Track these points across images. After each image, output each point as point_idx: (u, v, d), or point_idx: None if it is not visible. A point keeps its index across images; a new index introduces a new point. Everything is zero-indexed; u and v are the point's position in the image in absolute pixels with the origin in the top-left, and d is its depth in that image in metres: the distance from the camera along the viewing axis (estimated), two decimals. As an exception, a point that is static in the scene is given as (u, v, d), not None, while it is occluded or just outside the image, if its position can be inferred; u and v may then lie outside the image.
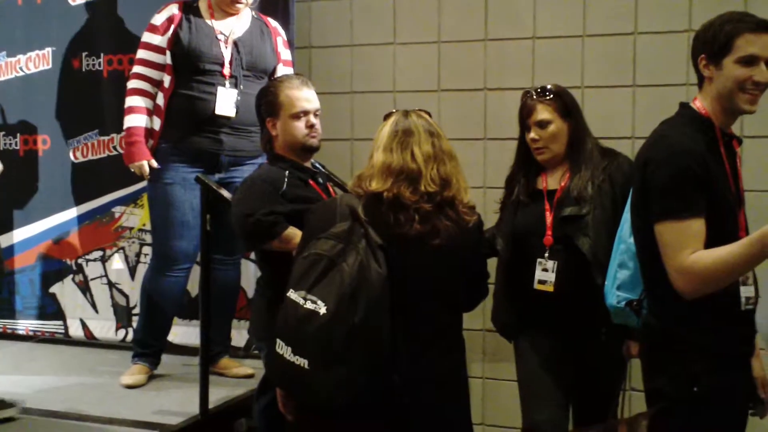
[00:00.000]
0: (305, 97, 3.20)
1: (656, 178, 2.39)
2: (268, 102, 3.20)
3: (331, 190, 3.25)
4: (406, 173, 2.52)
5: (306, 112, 3.18)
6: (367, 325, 2.36)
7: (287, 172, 3.10)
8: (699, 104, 2.51)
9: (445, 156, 2.56)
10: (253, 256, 4.39)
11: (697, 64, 2.50)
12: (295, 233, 2.95)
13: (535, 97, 3.16)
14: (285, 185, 3.06)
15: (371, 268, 2.38)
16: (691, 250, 2.32)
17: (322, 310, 2.34)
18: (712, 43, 2.44)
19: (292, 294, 2.43)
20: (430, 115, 2.69)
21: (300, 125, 3.17)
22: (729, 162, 2.48)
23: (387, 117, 2.68)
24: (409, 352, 2.50)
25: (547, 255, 3.10)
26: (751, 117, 2.62)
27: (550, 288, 3.08)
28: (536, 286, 3.10)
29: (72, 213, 4.73)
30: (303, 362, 2.37)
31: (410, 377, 2.50)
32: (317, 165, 3.37)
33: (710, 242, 2.33)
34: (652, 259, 2.44)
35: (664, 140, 2.45)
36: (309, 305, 2.36)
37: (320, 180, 3.21)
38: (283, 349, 2.42)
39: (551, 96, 3.15)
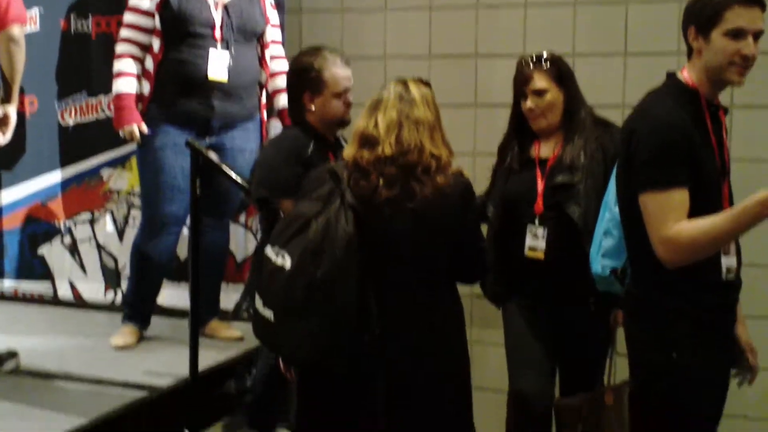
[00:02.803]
0: (348, 75, 3.25)
1: (640, 150, 2.41)
2: (311, 78, 3.20)
3: None
4: (367, 138, 2.59)
5: (347, 90, 3.23)
6: (329, 280, 2.41)
7: (313, 141, 3.17)
8: (686, 75, 2.52)
9: (409, 122, 2.58)
10: (242, 220, 4.41)
11: (686, 35, 2.51)
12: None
13: (531, 65, 3.15)
14: (310, 151, 3.13)
15: (339, 227, 2.44)
16: (674, 220, 2.35)
17: (288, 264, 2.43)
18: (700, 14, 2.44)
19: (268, 249, 2.52)
20: (427, 85, 2.71)
21: (340, 103, 3.22)
22: (714, 133, 2.49)
23: None
24: (380, 313, 2.53)
25: (537, 222, 3.12)
26: (740, 87, 2.63)
27: (540, 255, 3.11)
28: (527, 253, 3.13)
29: (60, 175, 4.72)
30: (269, 314, 2.47)
31: (381, 339, 2.53)
32: (341, 139, 3.41)
33: (694, 213, 2.36)
34: (636, 228, 2.47)
35: (649, 112, 2.47)
36: (279, 260, 2.46)
37: (339, 155, 3.25)
38: (258, 302, 2.53)
39: (547, 64, 3.14)
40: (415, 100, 2.62)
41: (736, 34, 2.40)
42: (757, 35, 2.42)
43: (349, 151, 2.64)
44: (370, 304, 2.51)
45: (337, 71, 3.21)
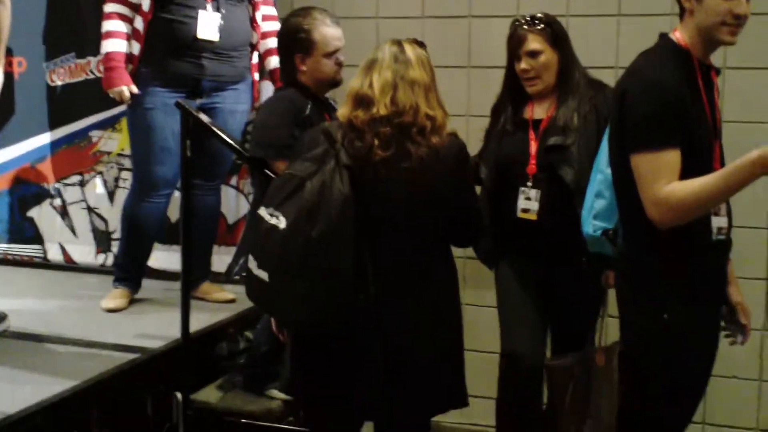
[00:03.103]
0: (338, 35, 3.29)
1: (633, 110, 2.41)
2: (301, 39, 3.24)
3: None
4: (362, 98, 2.58)
5: (338, 50, 3.26)
6: (325, 240, 2.40)
7: (311, 101, 3.20)
8: (678, 35, 2.51)
9: (404, 82, 2.57)
10: (233, 182, 4.39)
11: None
12: None
13: (525, 26, 3.14)
14: (308, 110, 3.16)
15: (334, 187, 2.44)
16: (666, 181, 2.35)
17: (282, 224, 2.42)
18: None
19: (261, 209, 2.51)
20: (422, 45, 2.69)
21: (331, 63, 3.26)
22: (706, 93, 2.49)
23: None
24: (376, 274, 2.53)
25: (530, 184, 3.12)
26: (733, 48, 2.62)
27: (533, 216, 3.11)
28: (519, 214, 3.13)
29: (49, 137, 4.68)
30: (264, 275, 2.47)
31: (378, 299, 2.53)
32: (330, 100, 3.43)
33: (685, 173, 2.36)
34: (628, 189, 2.47)
35: (641, 72, 2.47)
36: (273, 221, 2.45)
37: (333, 116, 3.24)
38: (251, 263, 2.52)
39: (542, 25, 3.13)
40: (411, 61, 2.61)
41: None
42: (749, -6, 2.42)
43: (343, 111, 2.62)
44: (365, 264, 2.51)
45: (327, 31, 3.24)
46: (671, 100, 2.37)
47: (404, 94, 2.56)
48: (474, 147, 3.24)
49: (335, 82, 3.32)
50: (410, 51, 2.63)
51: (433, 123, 2.58)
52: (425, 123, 2.56)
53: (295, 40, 3.25)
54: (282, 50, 3.35)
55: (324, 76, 3.27)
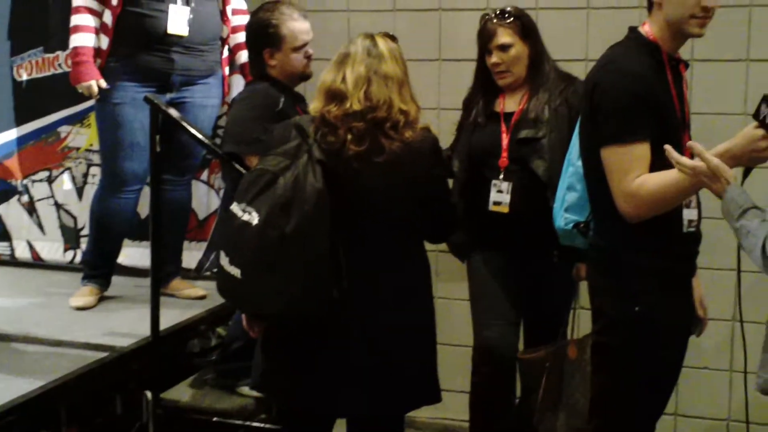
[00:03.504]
0: (306, 29, 3.31)
1: (603, 102, 2.42)
2: (269, 34, 3.25)
3: None
4: (334, 93, 2.56)
5: (306, 44, 3.28)
6: (299, 235, 2.40)
7: (283, 94, 3.21)
8: (647, 29, 2.52)
9: (377, 77, 2.56)
10: (204, 177, 4.36)
11: None
12: None
13: (495, 20, 3.15)
14: (281, 104, 3.17)
15: (307, 182, 2.43)
16: (636, 174, 2.36)
17: (255, 220, 2.41)
18: None
19: (233, 206, 2.50)
20: (394, 38, 2.68)
21: (300, 57, 3.29)
22: (675, 86, 2.50)
23: None
24: (350, 268, 2.52)
25: (502, 177, 3.13)
26: (701, 41, 2.64)
27: (505, 209, 3.12)
28: (491, 207, 3.15)
29: (16, 133, 4.62)
30: (236, 272, 2.45)
31: (350, 293, 2.53)
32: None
33: (655, 166, 2.37)
34: (599, 182, 2.48)
35: (611, 65, 2.48)
36: (245, 216, 2.43)
37: (305, 109, 3.24)
38: (223, 260, 2.50)
39: (511, 18, 3.14)
40: (383, 55, 2.60)
41: None
42: (717, -14, 2.43)
43: (315, 105, 2.61)
44: (339, 258, 2.51)
45: (295, 25, 3.25)
46: (641, 93, 2.38)
47: (378, 88, 2.55)
48: (445, 140, 3.23)
49: (305, 76, 3.33)
50: (383, 45, 2.62)
51: (406, 117, 2.57)
52: (399, 117, 2.56)
53: (263, 35, 3.26)
54: (250, 45, 3.36)
55: (293, 69, 3.29)
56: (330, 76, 2.60)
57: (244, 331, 2.85)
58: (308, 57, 3.30)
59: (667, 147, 2.23)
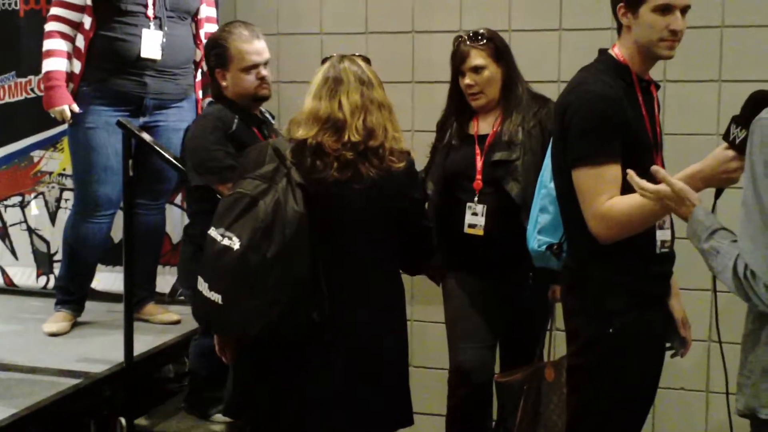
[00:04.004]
0: (255, 50, 3.23)
1: (573, 124, 2.43)
2: (217, 54, 3.22)
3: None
4: (332, 122, 2.53)
5: (256, 65, 3.21)
6: (280, 260, 2.39)
7: (237, 116, 3.15)
8: (617, 51, 2.54)
9: (373, 106, 2.56)
10: (178, 200, 4.33)
11: (616, 11, 2.52)
12: None
13: (468, 42, 3.17)
14: (234, 126, 3.12)
15: (288, 206, 2.42)
16: (607, 195, 2.36)
17: (236, 245, 2.39)
18: None
19: (212, 231, 2.48)
20: (368, 62, 2.68)
21: (251, 78, 3.21)
22: (646, 107, 2.52)
23: (324, 62, 2.67)
24: (330, 291, 2.51)
25: (476, 199, 3.13)
26: (673, 62, 2.65)
27: (480, 232, 3.13)
28: (466, 230, 3.14)
29: (-12, 157, 4.59)
30: (217, 297, 2.43)
31: (331, 316, 2.52)
32: (266, 114, 3.39)
33: (626, 188, 2.36)
34: (571, 203, 2.48)
35: (581, 86, 2.48)
36: (225, 241, 2.41)
37: (265, 131, 3.24)
38: (202, 285, 2.48)
39: (484, 41, 3.16)
40: (372, 82, 2.60)
41: (665, 9, 2.42)
42: (684, 10, 2.45)
43: (305, 132, 2.55)
44: (319, 281, 2.50)
45: (243, 46, 3.21)
46: (611, 115, 2.39)
47: (375, 117, 2.55)
48: (419, 162, 3.23)
49: (259, 98, 3.26)
50: (368, 70, 2.62)
51: (397, 143, 2.59)
52: (390, 144, 2.56)
53: (213, 55, 3.25)
54: (207, 66, 3.34)
55: (244, 91, 3.22)
56: (324, 104, 2.55)
57: (208, 360, 2.82)
58: (261, 78, 3.22)
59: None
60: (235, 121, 3.14)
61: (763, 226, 1.89)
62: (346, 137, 2.51)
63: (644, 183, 2.20)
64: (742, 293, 1.96)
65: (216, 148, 3.08)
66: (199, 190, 3.17)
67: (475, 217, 3.14)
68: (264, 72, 3.23)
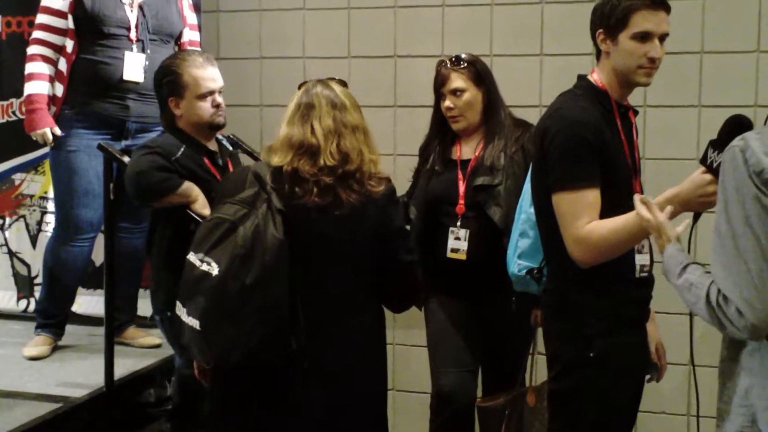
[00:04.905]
0: (210, 76, 3.17)
1: (552, 149, 2.44)
2: (170, 81, 3.14)
3: (230, 169, 3.20)
4: (306, 147, 2.52)
5: (212, 92, 3.16)
6: (260, 286, 2.38)
7: (184, 145, 3.10)
8: (596, 77, 2.56)
9: (347, 129, 2.54)
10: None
11: (595, 38, 2.54)
12: (192, 186, 3.01)
13: (449, 65, 3.20)
14: (179, 154, 3.06)
15: (267, 232, 2.40)
16: (586, 219, 2.37)
17: (215, 271, 2.37)
18: (609, 17, 2.48)
19: (191, 256, 2.45)
20: (345, 85, 2.67)
21: (206, 105, 3.15)
22: (625, 132, 2.54)
23: (300, 87, 2.66)
24: (309, 318, 2.50)
25: (459, 224, 3.14)
26: (653, 87, 2.67)
27: (462, 256, 3.13)
28: (449, 254, 3.15)
29: (-31, 180, 4.57)
30: (195, 323, 2.41)
31: (309, 343, 2.51)
32: (227, 140, 3.35)
33: (605, 211, 2.39)
34: (550, 228, 2.49)
35: (559, 112, 2.50)
36: (204, 267, 2.39)
37: (219, 161, 3.20)
38: (180, 311, 2.46)
39: (465, 64, 3.19)
40: (346, 105, 2.58)
41: (643, 36, 2.44)
42: (662, 37, 2.48)
43: (281, 158, 2.53)
44: (298, 308, 2.49)
45: (197, 72, 3.15)
46: (589, 138, 2.41)
47: (349, 141, 2.53)
48: (402, 187, 3.24)
49: (215, 125, 3.19)
50: (342, 93, 2.60)
51: (375, 167, 2.58)
52: (368, 168, 2.55)
53: (166, 83, 3.16)
54: (157, 95, 3.25)
55: (199, 119, 3.15)
56: (297, 130, 2.54)
57: (187, 388, 2.80)
58: (217, 106, 3.16)
59: (636, 197, 2.25)
60: (181, 149, 3.07)
61: (735, 252, 1.90)
62: (322, 162, 2.50)
63: (645, 212, 2.21)
64: (716, 321, 1.96)
65: (146, 168, 3.01)
66: (155, 214, 3.16)
67: (458, 242, 3.15)
68: (219, 99, 3.17)
